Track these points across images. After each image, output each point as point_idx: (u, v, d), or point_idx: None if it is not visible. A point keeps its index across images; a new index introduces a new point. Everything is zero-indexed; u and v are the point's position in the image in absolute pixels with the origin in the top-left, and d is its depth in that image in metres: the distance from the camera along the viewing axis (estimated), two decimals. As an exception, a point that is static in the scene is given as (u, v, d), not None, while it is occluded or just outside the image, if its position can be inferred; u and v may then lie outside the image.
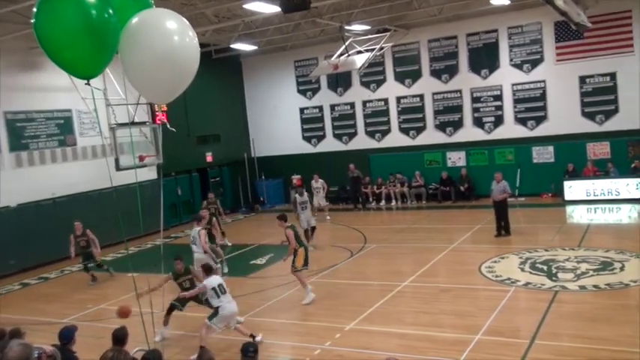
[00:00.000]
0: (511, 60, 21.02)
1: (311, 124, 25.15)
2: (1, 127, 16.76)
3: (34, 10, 4.50)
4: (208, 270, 9.61)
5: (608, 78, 19.59)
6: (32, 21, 4.53)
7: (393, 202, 22.54)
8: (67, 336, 6.73)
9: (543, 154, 20.74)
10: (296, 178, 24.41)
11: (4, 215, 16.54)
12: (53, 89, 17.32)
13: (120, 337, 6.49)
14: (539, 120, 20.86)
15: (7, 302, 13.79)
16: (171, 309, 10.15)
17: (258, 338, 9.14)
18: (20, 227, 16.65)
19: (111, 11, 4.50)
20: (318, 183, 20.25)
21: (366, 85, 23.71)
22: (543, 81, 20.60)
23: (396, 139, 23.38)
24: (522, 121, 21.12)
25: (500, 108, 21.43)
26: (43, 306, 13.20)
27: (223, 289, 9.23)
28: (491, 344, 8.69)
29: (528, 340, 8.61)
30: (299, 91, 25.22)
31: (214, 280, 9.28)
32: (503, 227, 15.33)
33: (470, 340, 8.82)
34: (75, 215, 17.92)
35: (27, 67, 17.19)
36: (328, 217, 20.15)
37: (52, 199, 17.81)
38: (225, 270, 14.15)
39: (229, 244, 17.50)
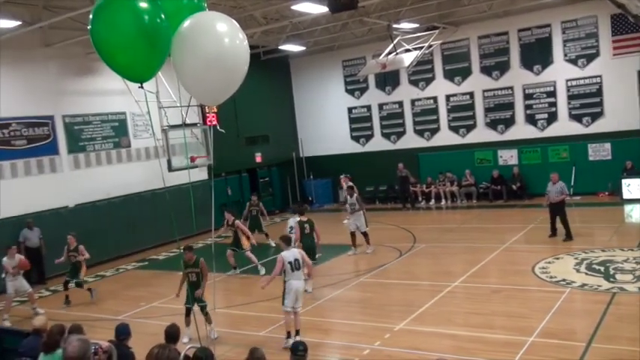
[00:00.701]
0: (565, 55, 20.44)
1: (359, 124, 25.11)
2: (60, 130, 17.37)
3: (91, 16, 4.65)
4: (288, 242, 9.81)
5: (669, 72, 18.85)
6: (89, 27, 4.68)
7: (443, 202, 22.26)
8: (123, 331, 6.93)
9: (600, 152, 20.08)
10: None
11: (63, 215, 17.15)
12: (108, 93, 17.85)
13: (172, 334, 6.64)
14: (595, 116, 20.21)
15: (66, 299, 14.29)
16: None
17: (297, 337, 9.18)
18: (77, 227, 17.17)
19: (163, 16, 4.61)
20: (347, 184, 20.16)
21: (414, 83, 23.50)
22: (599, 76, 19.95)
23: (445, 137, 23.09)
24: (577, 118, 20.52)
25: (553, 104, 20.88)
26: (99, 303, 13.60)
27: (298, 265, 9.43)
28: (546, 347, 8.47)
29: (584, 343, 8.35)
30: (347, 91, 25.21)
31: (291, 255, 9.47)
32: (565, 232, 14.53)
33: (523, 342, 8.63)
34: (129, 215, 18.51)
35: (83, 72, 17.78)
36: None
37: (107, 199, 18.35)
38: (263, 272, 14.31)
39: (274, 244, 17.59)
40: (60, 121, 17.38)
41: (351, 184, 19.18)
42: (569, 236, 14.50)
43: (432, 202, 22.44)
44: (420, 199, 22.80)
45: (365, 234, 15.51)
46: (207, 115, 18.62)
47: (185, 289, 10.17)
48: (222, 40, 4.68)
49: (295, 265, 9.42)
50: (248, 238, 14.71)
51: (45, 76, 16.99)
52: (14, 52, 15.90)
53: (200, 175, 19.23)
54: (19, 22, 14.20)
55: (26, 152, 16.43)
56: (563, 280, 11.44)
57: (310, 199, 25.40)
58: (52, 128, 17.14)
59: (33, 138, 16.60)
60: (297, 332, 9.41)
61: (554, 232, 14.79)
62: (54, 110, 17.19)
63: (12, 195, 15.78)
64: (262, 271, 14.51)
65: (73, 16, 13.84)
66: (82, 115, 17.98)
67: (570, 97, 20.54)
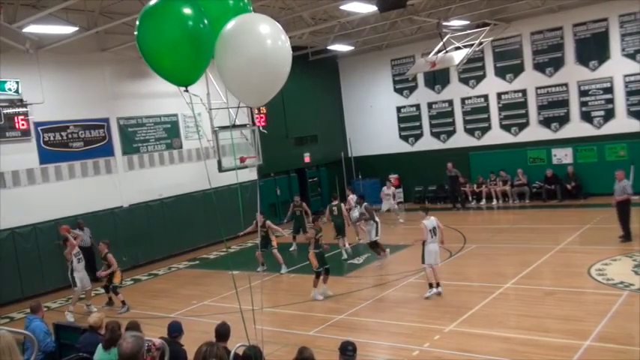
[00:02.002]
0: (623, 50, 19.72)
1: (408, 123, 24.90)
2: (115, 132, 17.86)
3: (137, 23, 4.80)
4: (426, 211, 11.90)
5: None
6: (135, 33, 4.83)
7: (494, 202, 21.84)
8: (175, 329, 7.06)
9: (660, 149, 19.28)
10: (393, 178, 24.31)
11: (118, 215, 17.64)
12: (161, 95, 18.25)
13: (222, 333, 6.71)
14: (656, 113, 19.43)
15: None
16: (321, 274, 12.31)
17: (439, 288, 11.47)
18: (132, 226, 17.69)
19: (206, 21, 4.72)
20: (389, 190, 20.29)
21: (464, 81, 23.15)
22: (659, 71, 19.18)
23: (496, 136, 22.64)
24: (636, 115, 19.75)
25: (610, 101, 20.19)
26: (153, 301, 13.92)
27: (435, 233, 11.51)
28: (602, 351, 8.20)
29: (644, 349, 8.05)
30: (396, 90, 25.04)
31: (430, 223, 11.54)
32: (624, 233, 13.97)
33: (578, 346, 8.37)
34: (181, 215, 18.88)
35: (137, 75, 18.21)
36: (401, 220, 19.95)
37: (160, 199, 18.77)
38: (284, 270, 14.84)
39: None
40: (115, 123, 17.87)
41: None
42: (627, 237, 13.99)
43: (483, 202, 22.05)
44: (470, 199, 22.44)
45: (375, 244, 14.80)
46: (256, 116, 18.82)
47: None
48: (264, 41, 4.72)
49: (434, 232, 11.49)
50: (276, 237, 15.43)
51: (101, 80, 17.51)
52: (71, 57, 16.46)
53: (250, 175, 19.48)
54: (76, 28, 14.68)
55: (83, 154, 16.96)
56: (621, 282, 11.05)
57: (359, 199, 25.29)
58: (108, 130, 17.65)
59: (89, 140, 17.14)
60: (438, 284, 11.48)
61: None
62: (109, 113, 17.69)
63: (69, 195, 16.35)
64: (284, 269, 14.85)
65: (127, 21, 14.22)
66: (135, 118, 18.46)
67: (629, 94, 19.81)
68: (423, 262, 11.61)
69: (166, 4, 4.71)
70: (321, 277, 12.32)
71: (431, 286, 11.48)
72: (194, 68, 4.89)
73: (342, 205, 16.34)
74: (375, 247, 14.84)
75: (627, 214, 14.07)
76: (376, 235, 14.76)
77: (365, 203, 15.57)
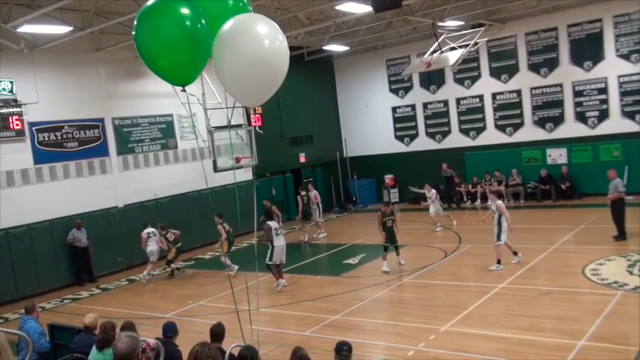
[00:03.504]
0: (617, 50, 19.81)
1: (403, 123, 24.93)
2: (110, 132, 17.80)
3: (135, 22, 4.79)
4: (500, 195, 13.25)
5: None
6: (133, 33, 4.82)
7: (489, 202, 21.82)
8: (170, 329, 7.05)
9: (655, 150, 19.37)
10: (388, 178, 24.36)
11: (113, 215, 17.59)
12: (156, 95, 18.21)
13: (217, 333, 6.70)
14: (650, 113, 19.52)
15: (115, 297, 14.66)
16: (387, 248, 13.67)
17: (518, 256, 13.12)
18: (127, 226, 17.64)
19: (204, 21, 4.72)
20: (430, 192, 18.98)
21: (459, 81, 23.19)
22: (653, 71, 19.26)
23: (491, 136, 22.69)
24: (630, 115, 19.84)
25: (605, 102, 20.26)
26: (147, 301, 13.90)
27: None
28: (597, 351, 8.23)
29: (638, 348, 8.07)
30: (391, 90, 25.07)
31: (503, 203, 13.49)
32: (618, 232, 14.05)
33: (573, 345, 8.40)
34: (177, 215, 18.83)
35: (132, 75, 18.17)
36: (454, 223, 18.52)
37: (155, 199, 18.72)
38: (233, 272, 14.33)
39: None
40: (110, 123, 17.80)
41: (433, 191, 18.36)
42: (622, 236, 14.05)
43: (478, 202, 22.08)
44: (465, 199, 22.48)
45: (269, 267, 13.35)
46: (253, 116, 18.80)
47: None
48: (262, 41, 4.72)
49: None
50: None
51: (95, 80, 17.45)
52: (66, 57, 16.40)
53: (245, 175, 19.47)
54: (70, 28, 14.63)
55: (78, 154, 16.90)
56: (616, 282, 11.09)
57: (354, 199, 25.35)
58: (103, 130, 17.59)
59: (84, 140, 17.08)
60: (515, 253, 13.16)
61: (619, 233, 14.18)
62: (104, 113, 17.63)
63: (64, 196, 16.30)
64: (234, 270, 14.34)
65: (122, 21, 14.18)
66: (130, 118, 18.40)
67: (623, 94, 19.90)
68: (500, 239, 12.97)
69: (164, 4, 4.71)
70: (384, 254, 13.84)
71: (499, 262, 12.90)
72: (192, 68, 4.89)
73: (310, 194, 19.25)
74: (269, 269, 13.39)
75: (621, 213, 14.13)
76: (270, 259, 13.18)
77: (268, 222, 13.67)
